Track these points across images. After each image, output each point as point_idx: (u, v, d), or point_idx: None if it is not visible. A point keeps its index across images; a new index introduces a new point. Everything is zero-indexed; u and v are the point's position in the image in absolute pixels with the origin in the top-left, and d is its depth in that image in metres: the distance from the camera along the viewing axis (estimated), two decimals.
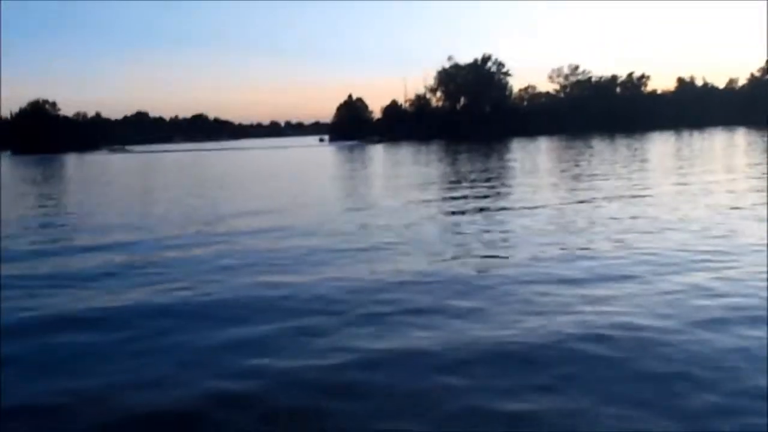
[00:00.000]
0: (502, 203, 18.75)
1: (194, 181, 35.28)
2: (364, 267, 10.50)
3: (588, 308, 7.60)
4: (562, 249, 11.41)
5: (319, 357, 6.32)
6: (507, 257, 11.02)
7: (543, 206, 17.44)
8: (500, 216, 16.13)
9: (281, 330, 7.25)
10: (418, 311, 7.76)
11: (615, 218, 14.80)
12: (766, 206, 15.24)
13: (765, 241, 11.06)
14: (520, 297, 8.26)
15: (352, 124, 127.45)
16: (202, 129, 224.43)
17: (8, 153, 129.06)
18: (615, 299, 7.95)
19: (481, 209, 17.51)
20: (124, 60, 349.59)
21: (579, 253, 11.02)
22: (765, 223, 12.93)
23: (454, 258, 11.13)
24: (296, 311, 7.94)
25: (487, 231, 13.79)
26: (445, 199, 20.57)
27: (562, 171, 30.42)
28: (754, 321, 6.95)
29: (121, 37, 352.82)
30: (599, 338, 6.52)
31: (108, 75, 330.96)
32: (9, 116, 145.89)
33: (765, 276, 8.76)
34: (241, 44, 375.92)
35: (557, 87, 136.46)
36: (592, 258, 10.54)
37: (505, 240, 12.71)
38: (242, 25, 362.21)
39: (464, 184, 24.90)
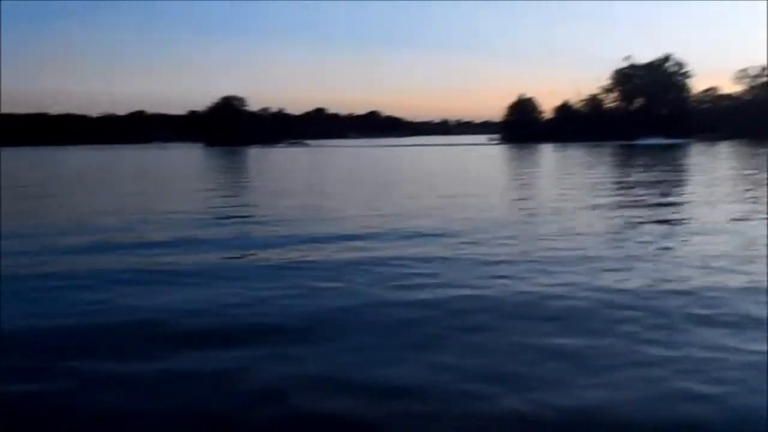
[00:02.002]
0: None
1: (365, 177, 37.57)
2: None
3: None
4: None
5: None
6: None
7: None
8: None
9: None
10: None
11: None
12: None
13: None
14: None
15: (522, 124, 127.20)
16: (375, 126, 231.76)
17: (201, 145, 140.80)
18: None
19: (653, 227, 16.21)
20: (307, 58, 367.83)
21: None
22: None
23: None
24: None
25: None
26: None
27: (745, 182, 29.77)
28: None
29: (306, 37, 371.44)
30: None
31: (291, 72, 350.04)
32: (203, 110, 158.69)
33: None
34: (413, 43, 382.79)
35: (743, 89, 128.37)
36: None
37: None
38: (415, 25, 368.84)
39: (633, 194, 25.23)
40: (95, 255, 13.01)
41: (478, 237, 14.35)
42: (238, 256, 12.71)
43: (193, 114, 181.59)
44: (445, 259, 11.87)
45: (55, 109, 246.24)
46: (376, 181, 34.30)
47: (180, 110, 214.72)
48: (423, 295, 9.27)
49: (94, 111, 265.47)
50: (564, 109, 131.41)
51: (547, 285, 9.73)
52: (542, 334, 7.41)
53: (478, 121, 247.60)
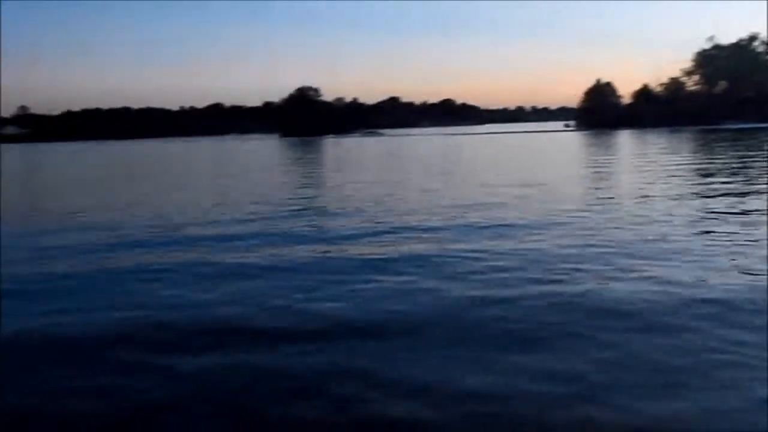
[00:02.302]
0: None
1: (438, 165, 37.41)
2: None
3: None
4: None
5: None
6: None
7: None
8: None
9: None
10: None
11: None
12: None
13: None
14: None
15: (599, 110, 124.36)
16: (449, 114, 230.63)
17: (277, 135, 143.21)
18: None
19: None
20: (381, 48, 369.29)
21: None
22: None
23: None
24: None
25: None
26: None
27: None
28: None
29: (380, 26, 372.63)
30: None
31: (365, 62, 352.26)
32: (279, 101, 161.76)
33: None
34: (488, 30, 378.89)
35: None
36: None
37: None
38: (489, 11, 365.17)
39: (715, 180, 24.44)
40: (169, 249, 13.26)
41: (553, 228, 14.10)
42: (310, 250, 12.68)
43: (269, 105, 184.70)
44: (518, 251, 11.68)
45: (137, 104, 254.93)
46: (450, 170, 34.20)
47: (256, 102, 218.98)
48: (494, 291, 9.10)
49: (175, 104, 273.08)
50: (643, 94, 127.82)
51: (624, 279, 9.48)
52: (618, 332, 7.22)
53: (554, 107, 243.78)
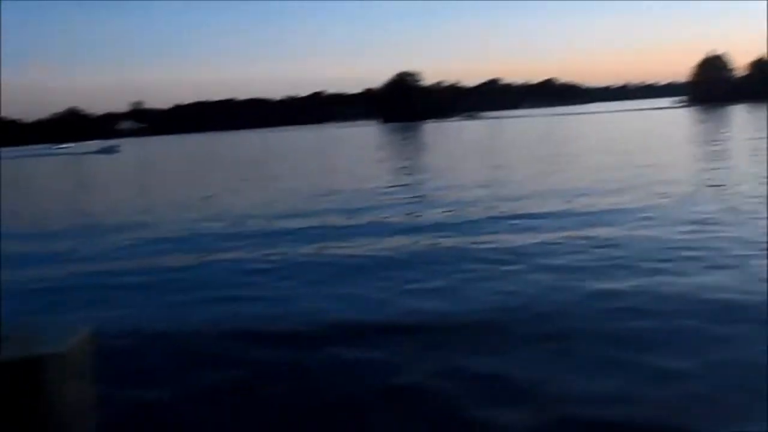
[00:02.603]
0: None
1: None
2: None
3: None
4: None
5: None
6: None
7: None
8: None
9: None
10: None
11: None
12: None
13: None
14: None
15: (711, 84, 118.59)
16: (551, 94, 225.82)
17: (378, 122, 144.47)
18: None
19: None
20: (481, 29, 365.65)
21: None
22: None
23: None
24: None
25: None
26: None
27: None
28: None
29: (477, 7, 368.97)
30: None
31: (466, 44, 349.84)
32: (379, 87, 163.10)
33: None
34: (589, 4, 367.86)
35: None
36: None
37: None
38: None
39: None
40: (266, 241, 13.35)
41: (662, 213, 13.41)
42: (408, 240, 12.44)
43: (369, 92, 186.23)
44: (619, 242, 11.01)
45: (241, 95, 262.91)
46: (552, 153, 33.45)
47: (357, 88, 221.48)
48: (598, 282, 8.60)
49: (277, 94, 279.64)
50: (760, 65, 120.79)
51: (734, 267, 8.84)
52: (731, 327, 6.69)
53: (662, 83, 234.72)
